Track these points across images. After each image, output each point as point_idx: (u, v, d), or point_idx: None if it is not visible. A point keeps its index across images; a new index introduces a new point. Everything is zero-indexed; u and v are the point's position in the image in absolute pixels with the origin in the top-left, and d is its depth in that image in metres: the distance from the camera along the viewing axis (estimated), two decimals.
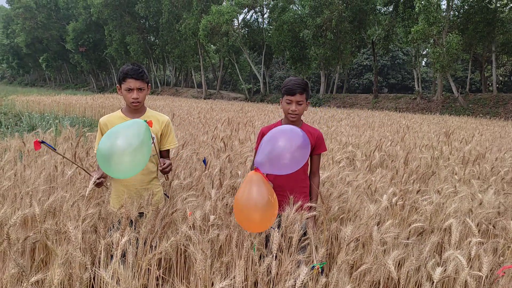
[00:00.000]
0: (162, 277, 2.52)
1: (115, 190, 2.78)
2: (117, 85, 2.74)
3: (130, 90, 2.63)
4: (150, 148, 2.36)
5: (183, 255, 2.61)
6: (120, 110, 2.81)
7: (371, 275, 2.23)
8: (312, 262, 2.30)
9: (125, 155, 2.19)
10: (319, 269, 2.15)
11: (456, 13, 29.49)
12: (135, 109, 2.74)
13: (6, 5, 66.38)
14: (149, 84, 2.79)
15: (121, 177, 2.36)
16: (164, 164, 2.60)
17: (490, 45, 29.59)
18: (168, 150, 2.92)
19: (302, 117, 2.93)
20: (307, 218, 2.56)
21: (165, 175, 2.77)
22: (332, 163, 5.07)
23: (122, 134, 2.23)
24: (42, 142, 2.31)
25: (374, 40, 34.62)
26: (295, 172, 2.79)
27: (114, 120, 2.74)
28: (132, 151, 2.21)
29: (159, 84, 54.34)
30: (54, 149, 2.43)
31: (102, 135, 2.73)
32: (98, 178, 2.42)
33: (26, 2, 57.19)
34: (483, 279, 2.19)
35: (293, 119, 2.77)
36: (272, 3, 40.44)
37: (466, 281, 2.08)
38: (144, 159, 2.29)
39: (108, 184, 3.10)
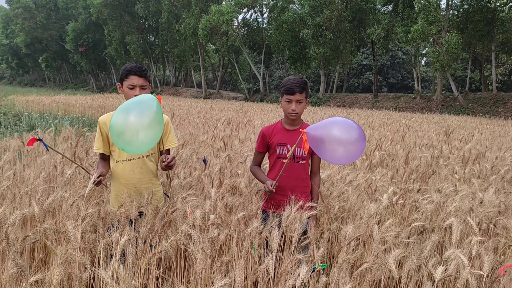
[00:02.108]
0: (162, 276, 2.52)
1: (115, 189, 2.77)
2: (117, 83, 2.72)
3: (132, 87, 2.62)
4: (163, 123, 2.37)
5: (183, 254, 2.60)
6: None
7: (372, 274, 2.22)
8: (313, 261, 2.30)
9: (140, 130, 2.20)
10: (321, 270, 2.14)
11: (456, 13, 29.49)
12: None
13: (6, 5, 66.35)
14: (150, 84, 2.78)
15: (133, 152, 2.37)
16: (167, 158, 2.54)
17: (489, 44, 29.59)
18: (168, 150, 2.90)
19: (302, 117, 2.93)
20: (308, 218, 2.55)
21: (168, 170, 2.69)
22: None
23: (135, 109, 2.23)
24: (39, 139, 2.29)
25: (373, 39, 34.62)
26: (296, 172, 2.79)
27: None
28: (146, 126, 2.21)
29: (158, 84, 54.32)
30: (48, 149, 2.41)
31: (102, 134, 2.72)
32: (97, 177, 2.41)
33: (25, 2, 57.14)
34: (484, 278, 2.18)
35: (293, 118, 2.77)
36: (271, 2, 40.45)
37: (467, 280, 2.07)
38: (157, 134, 2.32)
39: (107, 183, 3.09)
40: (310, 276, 1.97)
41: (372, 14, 34.76)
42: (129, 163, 2.71)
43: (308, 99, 2.81)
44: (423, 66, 44.51)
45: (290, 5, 38.56)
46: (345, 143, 2.39)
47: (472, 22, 28.19)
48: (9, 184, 3.16)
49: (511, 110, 25.87)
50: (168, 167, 2.59)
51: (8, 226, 2.00)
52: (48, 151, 2.43)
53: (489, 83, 35.92)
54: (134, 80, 2.61)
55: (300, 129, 2.58)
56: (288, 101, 2.72)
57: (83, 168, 2.69)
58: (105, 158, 2.80)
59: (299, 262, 2.14)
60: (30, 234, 2.30)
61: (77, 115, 17.17)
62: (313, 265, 2.20)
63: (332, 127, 2.44)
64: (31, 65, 75.29)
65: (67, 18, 61.25)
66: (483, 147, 7.44)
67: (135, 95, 2.61)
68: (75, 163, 2.73)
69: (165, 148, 2.86)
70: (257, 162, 2.99)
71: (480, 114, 25.57)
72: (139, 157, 2.72)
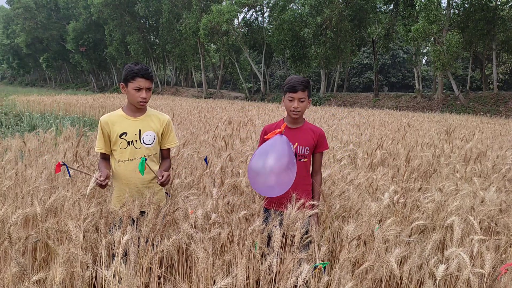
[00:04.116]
0: (164, 275, 2.52)
1: (117, 189, 2.78)
2: (121, 83, 2.72)
3: (139, 89, 2.64)
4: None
5: (184, 253, 2.61)
6: (121, 108, 2.81)
7: (373, 273, 2.22)
8: (315, 260, 2.30)
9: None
10: (322, 268, 2.15)
11: (456, 11, 29.44)
12: (138, 108, 2.75)
13: (6, 5, 66.35)
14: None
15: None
16: (162, 177, 2.59)
17: (490, 43, 29.54)
18: (168, 149, 2.93)
19: (304, 116, 2.94)
20: (310, 216, 2.55)
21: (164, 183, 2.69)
22: (333, 161, 5.06)
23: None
24: (64, 164, 2.35)
25: (374, 38, 34.59)
26: (298, 170, 2.80)
27: (115, 119, 2.74)
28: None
29: (159, 84, 54.32)
30: (70, 175, 2.49)
31: (103, 133, 2.73)
32: (103, 180, 2.41)
33: (25, 2, 57.11)
34: (486, 277, 2.19)
35: (296, 116, 2.77)
36: (272, 2, 40.40)
37: (468, 278, 2.07)
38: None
39: (109, 183, 3.10)
40: (312, 274, 1.98)
41: (373, 13, 34.72)
42: (131, 163, 2.72)
43: (310, 99, 2.82)
44: (423, 65, 44.46)
45: (291, 5, 38.52)
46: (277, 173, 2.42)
47: (473, 21, 28.14)
48: (11, 184, 3.17)
49: None
50: (162, 185, 2.63)
51: (11, 226, 2.00)
52: (70, 177, 2.52)
53: (490, 82, 35.85)
54: (141, 82, 2.63)
55: (281, 130, 2.58)
56: (291, 99, 2.73)
57: (99, 180, 2.64)
58: (106, 158, 2.81)
59: (300, 261, 2.14)
60: (32, 234, 2.31)
61: (78, 115, 17.16)
62: (315, 264, 2.21)
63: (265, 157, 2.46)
64: (32, 65, 75.26)
65: (67, 18, 61.22)
66: (484, 146, 7.43)
67: (141, 97, 2.65)
68: (88, 175, 2.74)
69: (165, 148, 2.89)
70: None
71: (481, 113, 25.53)
72: (141, 157, 2.73)
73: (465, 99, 28.39)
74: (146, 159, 2.45)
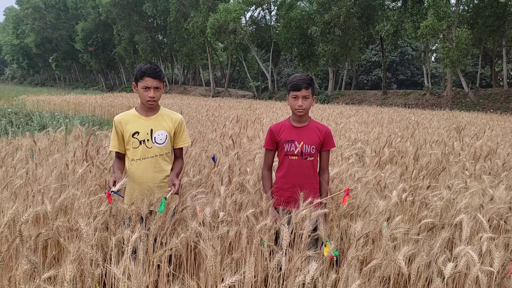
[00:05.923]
0: (172, 273, 2.54)
1: (129, 188, 2.80)
2: (132, 82, 2.77)
3: (147, 88, 2.67)
4: None
5: (193, 251, 2.63)
6: (134, 108, 2.85)
7: (381, 270, 2.22)
8: (323, 257, 2.31)
9: None
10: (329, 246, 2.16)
11: (466, 8, 29.16)
12: (150, 108, 2.77)
13: (16, 6, 66.96)
14: (165, 83, 2.83)
15: None
16: (174, 186, 2.60)
17: (500, 40, 29.22)
18: (181, 148, 2.95)
19: (310, 114, 2.95)
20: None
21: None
22: (341, 159, 5.05)
23: None
24: (113, 191, 2.41)
25: (382, 36, 34.36)
26: (305, 169, 2.80)
27: (128, 118, 2.78)
28: None
29: (167, 83, 54.50)
30: (122, 196, 2.60)
31: (117, 133, 2.78)
32: (117, 190, 2.44)
33: (35, 2, 57.61)
34: (495, 275, 2.18)
35: (301, 114, 2.78)
36: (279, 0, 40.32)
37: (477, 276, 2.07)
38: None
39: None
40: (320, 272, 1.98)
41: (381, 10, 34.49)
42: (143, 162, 2.75)
43: (314, 96, 2.82)
44: (433, 62, 44.07)
45: (298, 2, 38.39)
46: None
47: (482, 17, 27.84)
48: (22, 183, 3.21)
49: None
50: (176, 193, 2.66)
51: (22, 224, 2.03)
52: (123, 197, 2.63)
53: (500, 79, 35.41)
54: (149, 81, 2.65)
55: (345, 189, 2.58)
56: (295, 98, 2.74)
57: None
58: (120, 157, 2.86)
59: (308, 259, 2.15)
60: (43, 232, 2.34)
61: (87, 114, 17.29)
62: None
63: None
64: (41, 65, 75.81)
65: (76, 18, 61.69)
66: (494, 144, 7.36)
67: (149, 96, 2.68)
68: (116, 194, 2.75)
69: (178, 147, 2.91)
70: (268, 163, 2.98)
71: (491, 110, 25.27)
72: (153, 156, 2.76)
73: (474, 96, 28.12)
74: (165, 198, 2.43)
